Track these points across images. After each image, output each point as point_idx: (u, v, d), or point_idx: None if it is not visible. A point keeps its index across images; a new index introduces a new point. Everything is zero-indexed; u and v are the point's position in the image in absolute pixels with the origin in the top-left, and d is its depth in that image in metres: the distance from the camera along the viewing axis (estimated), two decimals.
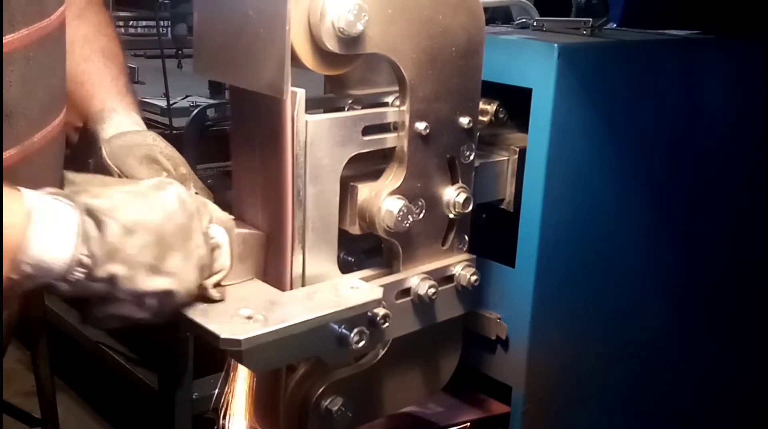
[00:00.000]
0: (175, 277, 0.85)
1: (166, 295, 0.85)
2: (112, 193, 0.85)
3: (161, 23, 3.24)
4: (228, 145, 1.07)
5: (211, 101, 2.62)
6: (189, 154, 2.58)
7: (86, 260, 0.80)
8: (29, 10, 0.90)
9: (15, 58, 0.89)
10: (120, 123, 1.11)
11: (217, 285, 0.92)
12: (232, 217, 0.98)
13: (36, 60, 0.92)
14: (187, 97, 2.70)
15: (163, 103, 2.53)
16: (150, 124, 2.62)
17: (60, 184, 1.00)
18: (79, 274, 0.80)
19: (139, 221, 0.83)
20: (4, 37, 0.86)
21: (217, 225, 0.93)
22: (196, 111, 2.45)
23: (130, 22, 3.94)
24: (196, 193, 1.02)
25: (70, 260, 0.79)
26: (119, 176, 1.05)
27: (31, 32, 0.90)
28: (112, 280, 0.82)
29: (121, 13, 3.97)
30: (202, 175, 1.13)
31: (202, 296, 0.91)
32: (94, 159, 1.08)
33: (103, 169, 1.07)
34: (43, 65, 0.94)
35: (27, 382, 3.03)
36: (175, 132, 2.42)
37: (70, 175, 0.91)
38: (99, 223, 0.81)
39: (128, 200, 0.84)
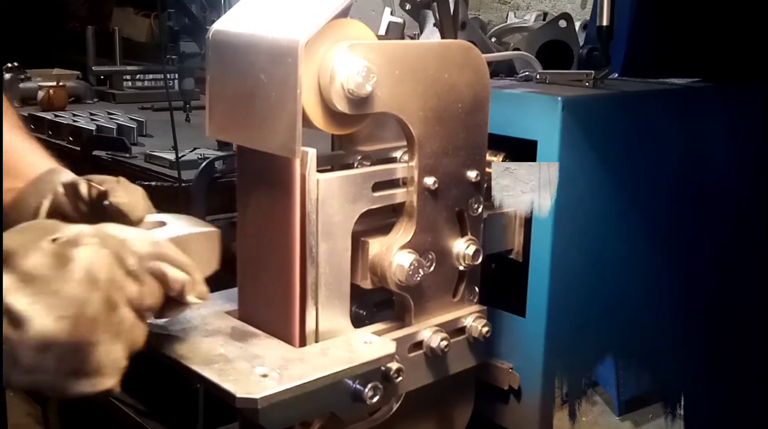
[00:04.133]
0: (104, 370, 0.81)
1: (97, 388, 0.82)
2: (20, 298, 0.78)
3: (169, 76, 3.29)
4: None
5: (219, 153, 2.64)
6: (198, 205, 2.60)
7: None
8: None
9: None
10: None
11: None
12: (158, 219, 0.98)
13: None
14: (195, 149, 2.72)
15: (171, 156, 2.55)
16: (159, 178, 2.64)
17: None
18: None
19: (51, 336, 0.77)
20: None
21: (148, 254, 0.88)
22: (204, 163, 2.48)
23: (137, 76, 4.00)
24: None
25: None
26: None
27: None
28: (35, 384, 0.80)
29: (129, 67, 4.03)
30: None
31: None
32: None
33: None
34: None
35: None
36: (183, 184, 2.45)
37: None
38: (8, 346, 0.77)
39: (38, 304, 0.78)
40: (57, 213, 1.02)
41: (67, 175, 1.06)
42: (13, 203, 1.04)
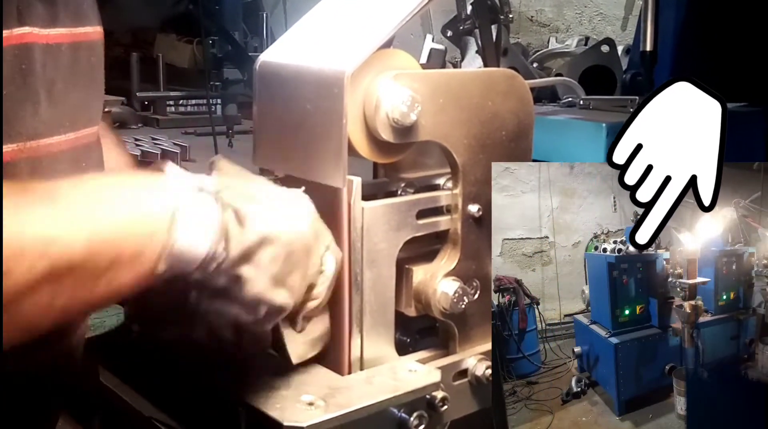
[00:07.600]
0: (292, 293, 0.89)
1: (279, 308, 0.89)
2: (256, 196, 0.89)
3: (212, 102, 3.34)
4: None
5: None
6: None
7: (221, 257, 0.83)
8: (78, 116, 0.99)
9: (62, 159, 0.96)
10: None
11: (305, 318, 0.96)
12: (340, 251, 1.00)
13: (88, 163, 1.01)
14: None
15: None
16: None
17: None
18: (211, 267, 0.83)
19: (275, 234, 0.87)
20: (55, 137, 0.93)
21: (331, 253, 0.95)
22: None
23: (180, 101, 4.07)
24: None
25: (206, 255, 0.82)
26: None
27: (79, 136, 0.99)
28: (237, 280, 0.85)
29: (172, 93, 4.11)
30: None
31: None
32: None
33: None
34: (91, 169, 1.03)
35: None
36: None
37: (222, 163, 0.94)
38: (240, 223, 0.85)
39: (269, 209, 0.88)
40: None
41: None
42: None
